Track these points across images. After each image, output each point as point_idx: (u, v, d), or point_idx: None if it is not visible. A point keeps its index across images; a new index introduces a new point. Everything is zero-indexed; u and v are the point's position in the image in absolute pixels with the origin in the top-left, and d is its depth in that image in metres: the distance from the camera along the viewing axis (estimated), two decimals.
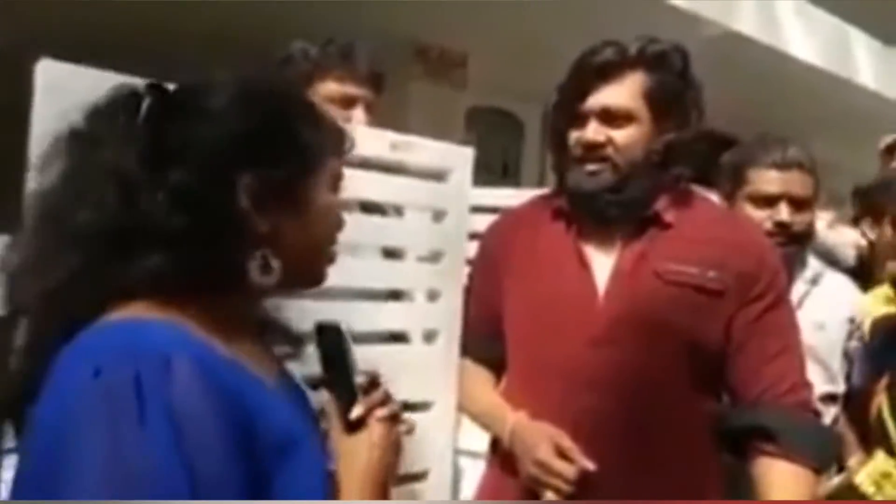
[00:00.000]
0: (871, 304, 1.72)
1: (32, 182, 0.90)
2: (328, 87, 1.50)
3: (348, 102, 1.51)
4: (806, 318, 1.45)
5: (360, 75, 1.54)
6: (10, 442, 0.74)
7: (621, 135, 1.22)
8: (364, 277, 1.25)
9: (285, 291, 0.83)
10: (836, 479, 1.60)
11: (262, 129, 0.75)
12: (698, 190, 1.35)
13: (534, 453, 1.18)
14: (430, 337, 1.36)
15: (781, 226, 1.54)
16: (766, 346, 1.22)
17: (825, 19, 4.76)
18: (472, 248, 1.44)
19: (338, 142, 0.83)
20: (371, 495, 0.78)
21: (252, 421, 0.68)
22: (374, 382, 0.83)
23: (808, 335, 1.39)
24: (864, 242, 2.12)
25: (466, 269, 1.43)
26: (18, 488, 0.64)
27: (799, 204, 1.56)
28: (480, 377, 1.39)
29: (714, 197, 1.54)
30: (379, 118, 1.54)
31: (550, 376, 1.24)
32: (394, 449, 0.82)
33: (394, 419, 0.83)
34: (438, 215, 1.37)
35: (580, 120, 1.24)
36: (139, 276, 0.69)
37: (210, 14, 3.39)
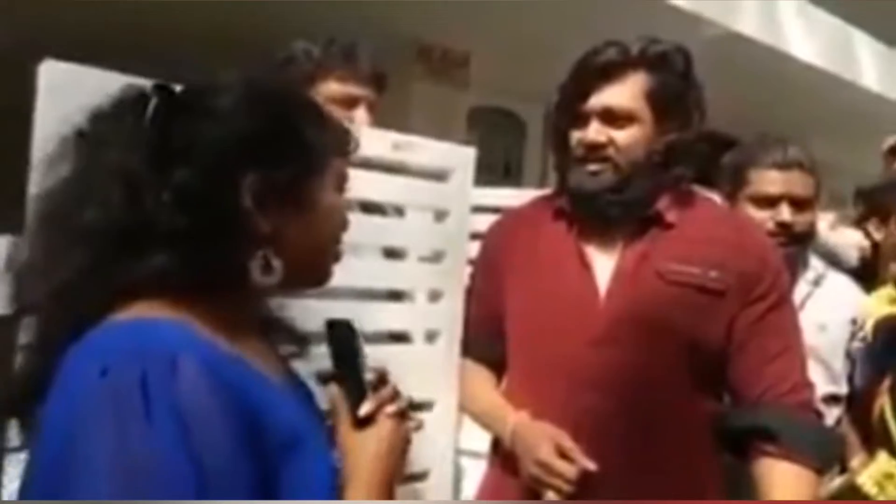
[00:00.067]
0: (874, 305, 1.72)
1: (35, 183, 0.90)
2: (330, 87, 1.50)
3: (350, 102, 1.51)
4: (808, 319, 1.45)
5: (362, 75, 1.54)
6: (17, 440, 0.74)
7: (623, 135, 1.22)
8: (365, 277, 1.25)
9: (290, 291, 0.84)
10: (839, 480, 1.60)
11: (267, 129, 0.75)
12: (700, 190, 1.35)
13: (535, 453, 1.18)
14: (431, 337, 1.36)
15: (783, 226, 1.54)
16: (768, 347, 1.22)
17: (827, 20, 4.76)
18: (474, 249, 1.44)
19: (342, 142, 0.83)
20: (378, 491, 0.78)
21: (258, 418, 0.68)
22: (382, 379, 0.84)
23: (811, 336, 1.39)
24: (866, 243, 2.12)
25: (468, 270, 1.43)
26: (27, 488, 0.64)
27: (800, 204, 1.56)
28: (481, 377, 1.39)
29: (715, 197, 1.54)
30: (381, 118, 1.54)
31: (551, 376, 1.24)
32: (402, 445, 0.82)
33: (402, 416, 0.83)
34: (440, 215, 1.37)
35: (582, 120, 1.25)
36: (145, 274, 0.69)
37: (212, 14, 3.39)
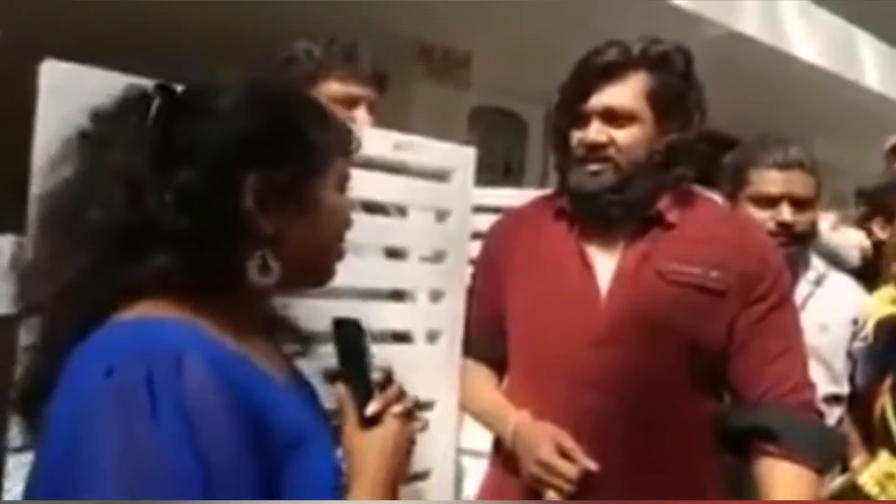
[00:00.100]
0: (876, 305, 1.72)
1: (37, 182, 0.90)
2: (331, 87, 1.50)
3: (351, 102, 1.51)
4: (809, 319, 1.45)
5: (363, 75, 1.54)
6: (23, 440, 0.75)
7: (623, 135, 1.22)
8: (367, 277, 1.25)
9: (293, 290, 0.84)
10: (840, 480, 1.60)
11: (269, 129, 0.75)
12: (700, 190, 1.35)
13: (536, 453, 1.18)
14: (432, 337, 1.36)
15: (784, 226, 1.54)
16: (769, 347, 1.22)
17: (829, 20, 4.75)
18: (475, 249, 1.44)
19: (345, 142, 0.83)
20: (382, 491, 0.78)
21: (263, 417, 0.68)
22: (388, 378, 0.84)
23: (812, 336, 1.39)
24: (867, 244, 2.12)
25: (469, 270, 1.43)
26: (33, 487, 0.65)
27: (801, 204, 1.56)
28: (483, 377, 1.39)
29: (716, 197, 1.54)
30: (382, 118, 1.54)
31: (553, 376, 1.24)
32: (407, 446, 0.82)
33: (408, 416, 0.83)
34: (441, 215, 1.37)
35: (583, 120, 1.25)
36: (148, 274, 0.70)
37: (214, 14, 3.39)
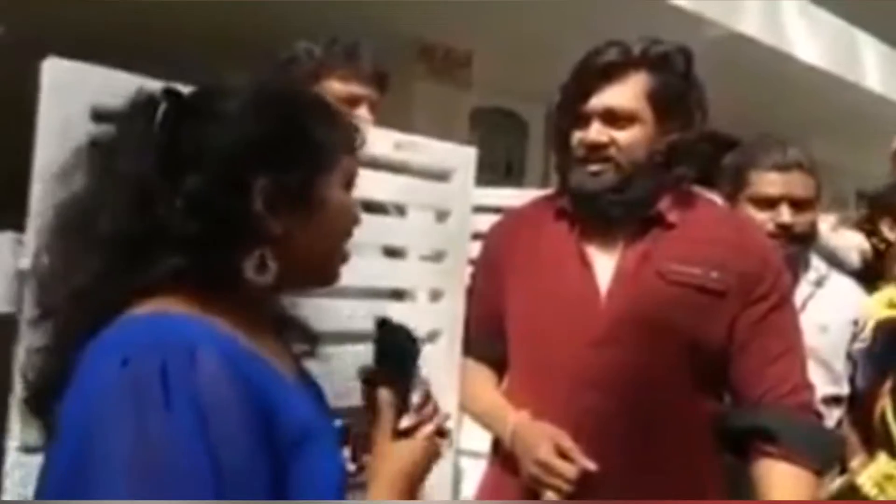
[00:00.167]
0: (875, 307, 1.72)
1: (38, 179, 0.91)
2: (332, 87, 1.51)
3: (352, 102, 1.51)
4: (809, 320, 1.45)
5: (364, 75, 1.54)
6: (37, 440, 0.75)
7: (624, 135, 1.22)
8: (366, 277, 1.25)
9: (299, 290, 0.85)
10: (839, 481, 1.60)
11: (276, 132, 0.75)
12: (701, 191, 1.35)
13: (534, 453, 1.18)
14: (432, 336, 1.36)
15: (783, 227, 1.54)
16: (769, 348, 1.22)
17: (830, 21, 4.75)
18: (475, 248, 1.44)
19: (351, 139, 0.84)
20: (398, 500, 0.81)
21: (273, 414, 0.69)
22: (427, 395, 0.86)
23: (812, 337, 1.39)
24: (867, 245, 2.12)
25: (469, 269, 1.43)
26: (47, 481, 0.65)
27: (800, 205, 1.56)
28: (482, 377, 1.40)
29: (717, 198, 1.54)
30: (383, 118, 1.55)
31: (552, 376, 1.24)
32: (429, 466, 0.85)
33: (439, 433, 0.86)
34: (441, 215, 1.38)
35: (583, 120, 1.25)
36: (159, 276, 0.71)
37: (215, 14, 3.39)
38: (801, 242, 1.58)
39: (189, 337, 0.67)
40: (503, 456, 1.30)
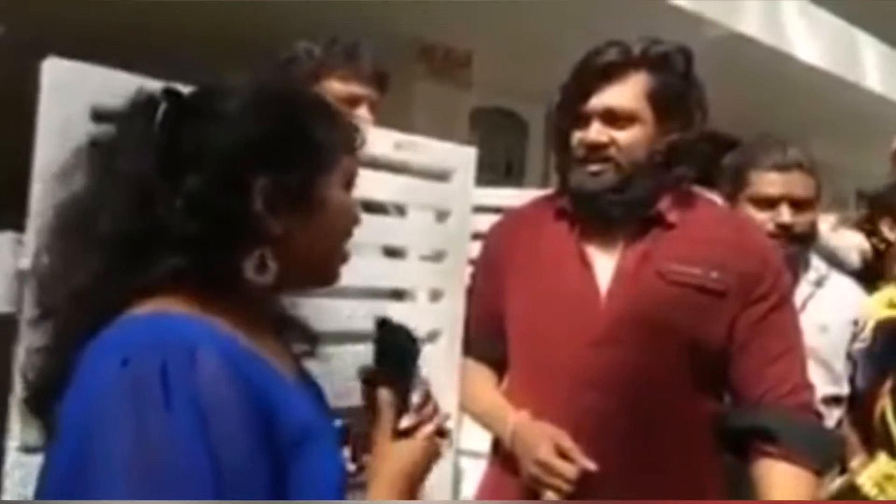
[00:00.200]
0: (875, 307, 1.72)
1: (38, 180, 0.91)
2: (332, 87, 1.51)
3: (352, 102, 1.51)
4: (809, 320, 1.45)
5: (364, 75, 1.54)
6: (37, 440, 0.75)
7: (624, 135, 1.22)
8: (366, 277, 1.25)
9: (299, 290, 0.85)
10: (839, 481, 1.60)
11: (276, 133, 0.76)
12: (700, 191, 1.35)
13: (534, 453, 1.18)
14: (432, 337, 1.36)
15: (783, 227, 1.54)
16: (769, 348, 1.22)
17: (830, 21, 4.75)
18: (475, 248, 1.44)
19: (351, 139, 0.84)
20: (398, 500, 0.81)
21: (273, 414, 0.69)
22: (427, 395, 0.86)
23: (812, 337, 1.39)
24: (867, 245, 2.12)
25: (469, 269, 1.43)
26: (47, 481, 0.65)
27: (800, 205, 1.56)
28: (482, 377, 1.40)
29: (717, 198, 1.54)
30: (383, 117, 1.55)
31: (552, 376, 1.24)
32: (428, 466, 0.85)
33: (439, 433, 0.86)
34: (441, 215, 1.38)
35: (583, 120, 1.25)
36: (159, 276, 0.71)
37: (215, 13, 3.39)
38: (801, 242, 1.58)
39: (189, 337, 0.67)
40: (503, 456, 1.30)
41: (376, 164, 1.24)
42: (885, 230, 2.08)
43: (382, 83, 1.59)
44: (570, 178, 1.28)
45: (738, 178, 1.61)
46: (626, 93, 1.22)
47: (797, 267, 1.60)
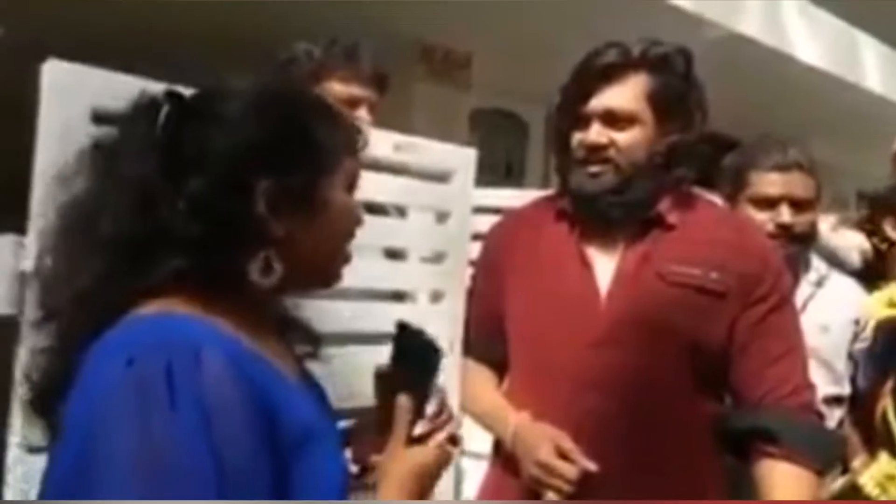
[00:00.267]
0: (875, 307, 1.72)
1: (39, 181, 0.91)
2: (332, 88, 1.51)
3: (352, 103, 1.51)
4: (810, 320, 1.45)
5: (363, 76, 1.54)
6: (39, 440, 0.75)
7: (624, 136, 1.22)
8: (367, 278, 1.25)
9: (301, 292, 0.85)
10: (840, 481, 1.60)
11: (278, 135, 0.76)
12: (701, 192, 1.35)
13: (535, 454, 1.18)
14: None
15: (783, 227, 1.54)
16: (769, 349, 1.22)
17: (830, 21, 4.75)
18: (475, 250, 1.44)
19: (353, 140, 0.84)
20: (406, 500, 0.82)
21: (276, 414, 0.69)
22: (443, 403, 0.88)
23: (813, 337, 1.39)
24: (867, 245, 2.12)
25: (469, 271, 1.43)
26: (51, 481, 0.65)
27: (800, 205, 1.56)
28: (483, 378, 1.40)
29: (717, 199, 1.55)
30: (383, 119, 1.55)
31: (553, 377, 1.24)
32: (438, 472, 0.87)
33: (451, 440, 0.88)
34: (441, 216, 1.38)
35: (583, 121, 1.25)
36: (161, 277, 0.71)
37: (214, 14, 3.39)
38: (801, 243, 1.59)
39: (193, 337, 0.67)
40: (504, 457, 1.30)
41: (376, 166, 1.24)
42: (889, 230, 2.08)
43: (382, 84, 1.59)
44: (569, 179, 1.28)
45: (738, 179, 1.61)
46: (625, 94, 1.22)
47: (798, 267, 1.60)
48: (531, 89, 3.91)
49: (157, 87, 0.78)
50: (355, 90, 1.53)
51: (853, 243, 2.16)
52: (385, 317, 1.29)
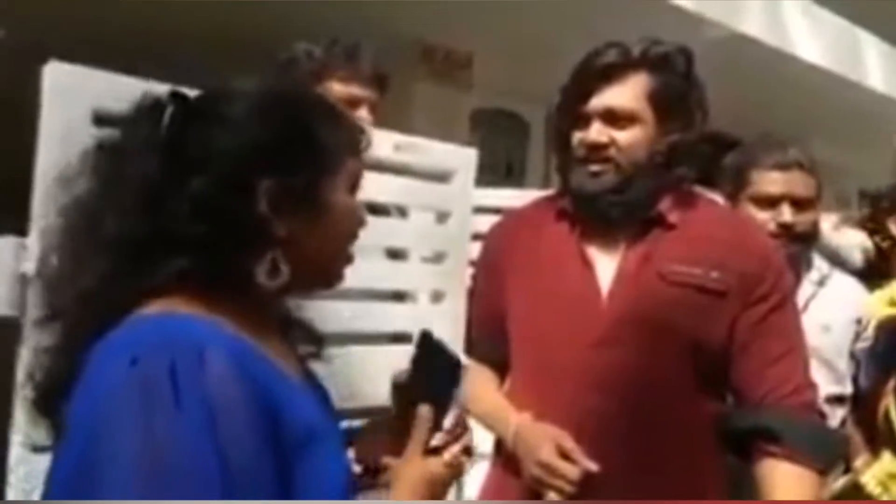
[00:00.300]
0: (876, 306, 1.72)
1: (40, 182, 0.91)
2: (332, 88, 1.51)
3: (352, 103, 1.51)
4: (812, 320, 1.45)
5: (364, 76, 1.54)
6: (43, 439, 0.76)
7: (624, 136, 1.22)
8: (368, 278, 1.25)
9: (303, 292, 0.85)
10: (843, 480, 1.60)
11: (281, 136, 0.76)
12: (702, 191, 1.35)
13: (536, 454, 1.18)
14: None
15: (784, 227, 1.54)
16: (770, 348, 1.22)
17: (832, 20, 4.75)
18: (476, 250, 1.44)
19: (356, 141, 0.84)
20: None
21: (279, 414, 0.70)
22: (462, 419, 0.90)
23: (815, 336, 1.39)
24: (869, 244, 2.12)
25: (470, 271, 1.43)
26: (55, 481, 0.65)
27: (801, 204, 1.56)
28: (484, 378, 1.39)
29: (718, 198, 1.54)
30: (384, 119, 1.55)
31: (554, 377, 1.24)
32: (451, 482, 0.89)
33: (466, 451, 0.89)
34: (442, 216, 1.38)
35: (583, 121, 1.24)
36: (165, 277, 0.71)
37: (215, 15, 3.40)
38: (802, 242, 1.58)
39: (197, 337, 0.67)
40: (505, 457, 1.29)
41: (377, 166, 1.24)
42: (892, 228, 2.08)
43: (382, 85, 1.59)
44: (570, 178, 1.28)
45: (739, 178, 1.61)
46: (626, 93, 1.22)
47: (799, 266, 1.60)
48: (532, 89, 3.91)
49: (158, 88, 0.79)
50: (355, 90, 1.53)
51: (855, 242, 2.16)
52: (386, 317, 1.30)
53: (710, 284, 1.20)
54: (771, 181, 1.57)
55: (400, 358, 1.26)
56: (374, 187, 1.22)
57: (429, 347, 0.90)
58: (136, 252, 0.71)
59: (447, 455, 0.87)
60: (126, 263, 0.71)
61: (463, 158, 1.40)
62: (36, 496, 0.74)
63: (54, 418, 0.73)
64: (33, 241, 0.90)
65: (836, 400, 1.62)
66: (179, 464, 0.61)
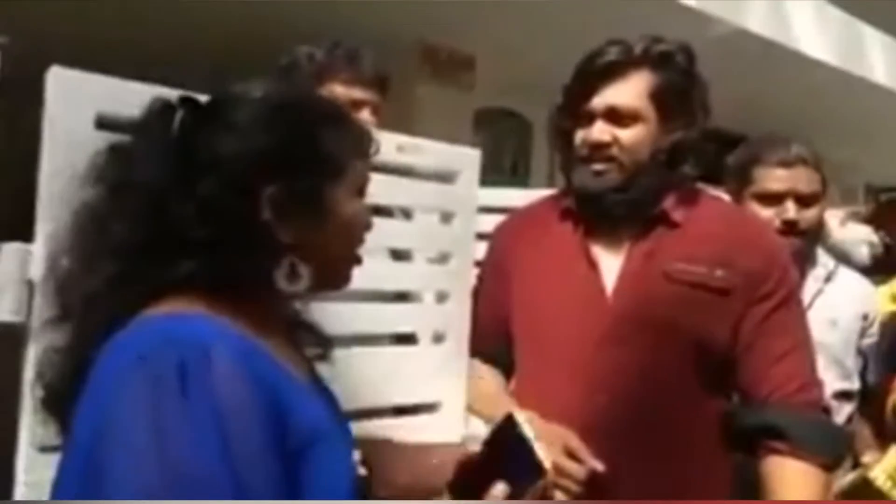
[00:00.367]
0: (882, 301, 1.71)
1: (45, 188, 0.91)
2: (334, 91, 1.51)
3: (354, 106, 1.51)
4: (819, 316, 1.44)
5: (366, 79, 1.54)
6: (52, 439, 0.76)
7: (627, 134, 1.22)
8: (373, 279, 1.25)
9: (309, 294, 0.85)
10: (851, 475, 1.59)
11: (286, 142, 0.77)
12: (706, 188, 1.35)
13: None
14: (438, 338, 1.36)
15: (789, 223, 1.54)
16: (775, 346, 1.21)
17: (836, 16, 4.73)
18: (481, 250, 1.44)
19: (362, 145, 0.85)
20: None
21: (285, 413, 0.70)
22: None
23: (821, 333, 1.38)
24: (875, 239, 2.12)
25: (475, 271, 1.43)
26: (64, 479, 0.66)
27: (805, 201, 1.56)
28: (489, 377, 1.39)
29: (722, 195, 1.54)
30: (387, 120, 1.55)
31: (559, 377, 1.24)
32: None
33: None
34: (446, 217, 1.37)
35: (586, 120, 1.24)
36: (171, 279, 0.72)
37: (217, 18, 3.41)
38: (807, 238, 1.58)
39: (204, 336, 0.68)
40: None
41: (380, 168, 1.24)
42: None
43: (384, 87, 1.59)
44: (573, 177, 1.28)
45: (743, 175, 1.61)
46: (628, 91, 1.22)
47: (804, 263, 1.59)
48: (535, 89, 3.90)
49: (161, 93, 0.79)
50: (357, 93, 1.53)
51: (861, 237, 2.16)
52: (391, 317, 1.30)
53: (715, 282, 1.20)
54: (775, 178, 1.56)
55: (404, 358, 1.26)
56: (377, 189, 1.22)
57: (511, 433, 0.82)
58: (143, 254, 0.72)
59: None
60: (134, 265, 0.72)
61: (467, 159, 1.40)
62: (45, 497, 0.74)
63: (63, 418, 0.74)
64: (38, 246, 0.90)
65: (844, 395, 1.62)
66: (188, 458, 0.62)
